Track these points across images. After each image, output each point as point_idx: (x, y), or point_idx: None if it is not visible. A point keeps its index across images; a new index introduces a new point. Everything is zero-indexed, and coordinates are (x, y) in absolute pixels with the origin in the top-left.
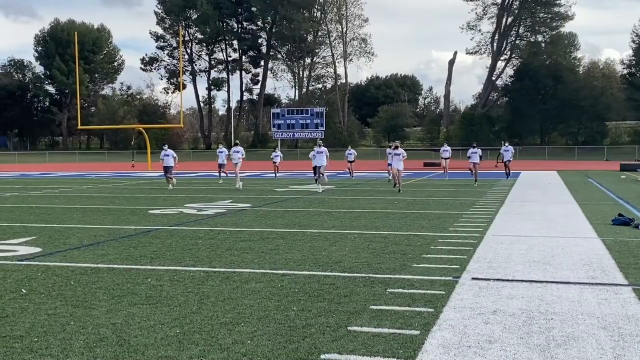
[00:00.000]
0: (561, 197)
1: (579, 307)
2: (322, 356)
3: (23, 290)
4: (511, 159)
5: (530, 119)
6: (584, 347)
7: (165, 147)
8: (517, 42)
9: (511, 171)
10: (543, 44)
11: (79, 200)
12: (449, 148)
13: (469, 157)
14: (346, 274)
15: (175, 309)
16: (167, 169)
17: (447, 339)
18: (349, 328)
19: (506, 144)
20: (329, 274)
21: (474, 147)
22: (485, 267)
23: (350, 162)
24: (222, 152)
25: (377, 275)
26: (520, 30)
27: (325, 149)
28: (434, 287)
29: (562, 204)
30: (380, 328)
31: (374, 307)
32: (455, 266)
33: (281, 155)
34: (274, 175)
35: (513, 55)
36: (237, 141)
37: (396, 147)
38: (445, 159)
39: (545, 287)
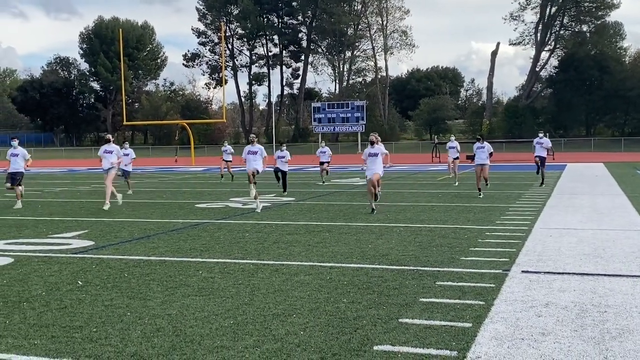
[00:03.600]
0: (609, 189)
1: (632, 300)
2: (375, 347)
3: (79, 282)
4: (545, 156)
5: (575, 111)
6: (639, 340)
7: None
8: (561, 32)
9: (545, 173)
10: (588, 34)
11: (127, 195)
12: (456, 144)
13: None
14: (394, 267)
15: (228, 300)
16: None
17: (499, 331)
18: (400, 320)
19: (540, 134)
20: (377, 266)
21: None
22: (535, 260)
23: (323, 162)
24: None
25: (426, 268)
26: (565, 20)
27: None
28: (484, 280)
29: (611, 196)
30: (432, 320)
31: (424, 300)
32: (504, 259)
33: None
34: (321, 179)
35: (557, 46)
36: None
37: (372, 143)
38: (454, 158)
39: (597, 280)
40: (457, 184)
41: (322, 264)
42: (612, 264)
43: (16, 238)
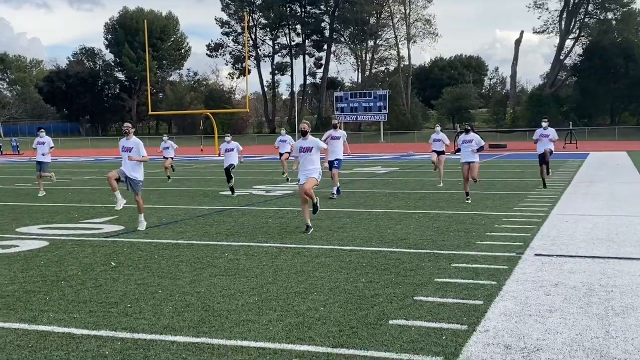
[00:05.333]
0: (630, 178)
1: (639, 280)
2: (390, 322)
3: (112, 263)
4: (552, 150)
5: (600, 99)
6: None
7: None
8: (586, 20)
9: (550, 169)
10: (613, 22)
11: (154, 182)
12: (442, 135)
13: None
14: (411, 250)
15: (253, 280)
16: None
17: (509, 308)
18: (415, 298)
19: (544, 122)
20: (395, 250)
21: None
22: (548, 244)
23: (283, 153)
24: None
25: (442, 252)
26: (590, 8)
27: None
28: (497, 263)
29: (630, 184)
30: (445, 298)
31: (439, 280)
32: (518, 243)
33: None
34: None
35: (582, 34)
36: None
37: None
38: (439, 153)
39: (607, 263)
40: (441, 184)
41: (342, 247)
42: (623, 248)
43: (49, 223)
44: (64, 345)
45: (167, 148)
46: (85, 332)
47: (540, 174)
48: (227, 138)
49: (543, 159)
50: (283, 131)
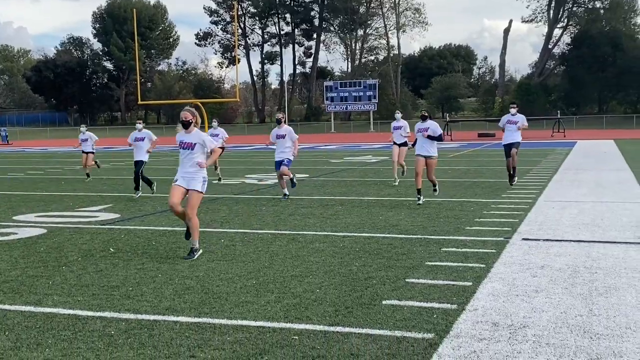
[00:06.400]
0: (616, 165)
1: (622, 263)
2: (384, 302)
3: (111, 249)
4: (520, 141)
5: (588, 88)
6: (623, 296)
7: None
8: (574, 9)
9: (516, 168)
10: (602, 11)
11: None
12: (404, 123)
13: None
14: (403, 236)
15: (249, 264)
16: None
17: (497, 288)
18: (406, 280)
19: (512, 109)
20: (387, 235)
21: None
22: (535, 229)
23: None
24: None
25: (432, 237)
26: None
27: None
28: (486, 247)
29: (616, 172)
30: (436, 280)
31: (430, 263)
32: (506, 228)
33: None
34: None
35: (570, 23)
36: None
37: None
38: (400, 145)
39: (592, 246)
40: (397, 182)
41: (335, 233)
42: (608, 232)
43: (45, 211)
44: (70, 326)
45: (86, 140)
46: (90, 313)
47: (507, 168)
48: (139, 125)
49: (509, 150)
50: (215, 123)
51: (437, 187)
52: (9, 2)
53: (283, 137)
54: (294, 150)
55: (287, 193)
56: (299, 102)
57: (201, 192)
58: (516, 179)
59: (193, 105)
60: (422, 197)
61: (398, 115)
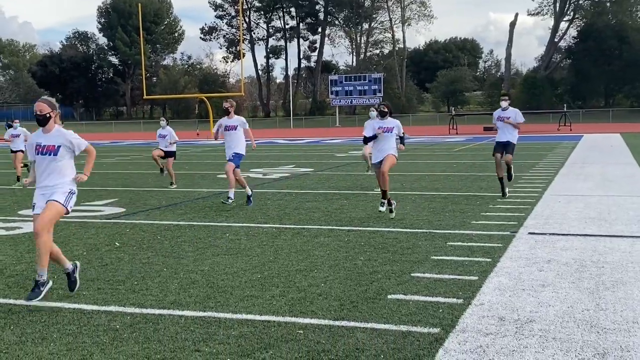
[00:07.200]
0: (622, 159)
1: (629, 257)
2: (389, 296)
3: (117, 243)
4: (514, 142)
5: (594, 81)
6: (630, 290)
7: None
8: (580, 2)
9: (513, 169)
10: (608, 4)
11: (151, 166)
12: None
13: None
14: (408, 230)
15: (254, 258)
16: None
17: (503, 283)
18: (412, 274)
19: (504, 102)
20: (392, 229)
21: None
22: (542, 223)
23: (165, 154)
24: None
25: (438, 231)
26: None
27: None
28: (492, 241)
29: (623, 166)
30: (441, 274)
31: (435, 258)
32: (512, 222)
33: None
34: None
35: (576, 16)
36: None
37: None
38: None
39: (599, 240)
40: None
41: (340, 227)
42: (614, 226)
43: None
44: (75, 320)
45: (18, 136)
46: (95, 307)
47: (496, 171)
48: (162, 122)
49: (501, 150)
50: (163, 121)
51: (394, 207)
52: None
53: (235, 128)
54: (252, 143)
55: (232, 197)
56: (304, 96)
57: (64, 206)
58: (507, 190)
59: (198, 99)
60: (385, 204)
61: (373, 113)
